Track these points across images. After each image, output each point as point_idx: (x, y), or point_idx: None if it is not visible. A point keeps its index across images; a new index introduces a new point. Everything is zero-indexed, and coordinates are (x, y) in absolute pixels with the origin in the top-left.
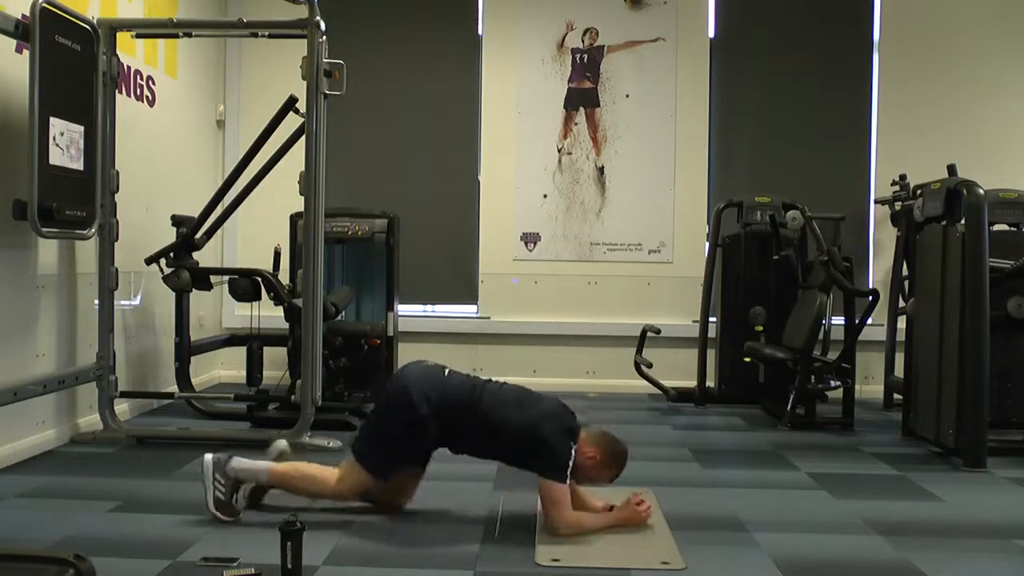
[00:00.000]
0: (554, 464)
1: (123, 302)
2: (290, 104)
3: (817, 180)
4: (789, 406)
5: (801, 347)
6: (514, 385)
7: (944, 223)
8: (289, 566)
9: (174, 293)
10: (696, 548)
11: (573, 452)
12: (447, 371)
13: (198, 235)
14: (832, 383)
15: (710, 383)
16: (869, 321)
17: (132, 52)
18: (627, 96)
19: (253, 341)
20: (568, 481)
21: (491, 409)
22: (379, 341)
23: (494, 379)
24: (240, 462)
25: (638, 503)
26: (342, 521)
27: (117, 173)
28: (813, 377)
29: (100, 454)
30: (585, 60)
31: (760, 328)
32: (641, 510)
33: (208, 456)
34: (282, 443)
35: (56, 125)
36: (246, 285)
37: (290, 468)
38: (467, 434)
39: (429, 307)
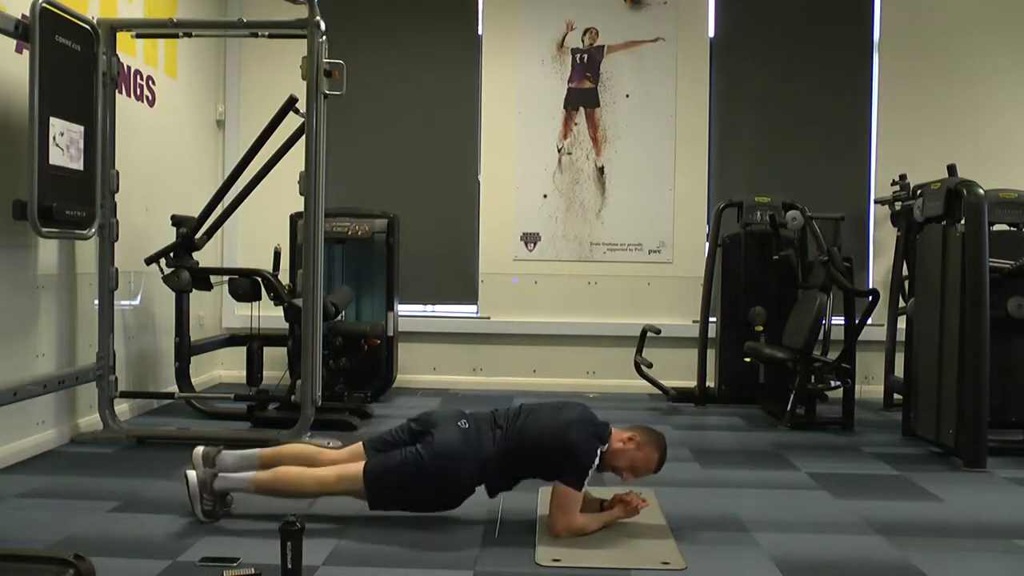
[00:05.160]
0: (576, 469)
1: (123, 302)
2: (290, 104)
3: (817, 180)
4: (789, 406)
5: (801, 347)
6: (537, 403)
7: (944, 223)
8: (289, 566)
9: (174, 293)
10: (696, 548)
11: (598, 457)
12: (470, 423)
13: (198, 235)
14: (832, 383)
15: (710, 383)
16: (869, 321)
17: (132, 52)
18: (627, 96)
19: (253, 341)
20: (585, 487)
21: (520, 436)
22: (379, 341)
23: (517, 406)
24: (224, 480)
25: (629, 500)
26: (342, 521)
27: (117, 173)
28: (813, 377)
29: (100, 454)
30: (585, 60)
31: (760, 328)
32: (634, 503)
33: (192, 474)
34: (199, 450)
35: (56, 125)
36: (246, 285)
37: (272, 476)
38: (503, 474)
39: (429, 307)
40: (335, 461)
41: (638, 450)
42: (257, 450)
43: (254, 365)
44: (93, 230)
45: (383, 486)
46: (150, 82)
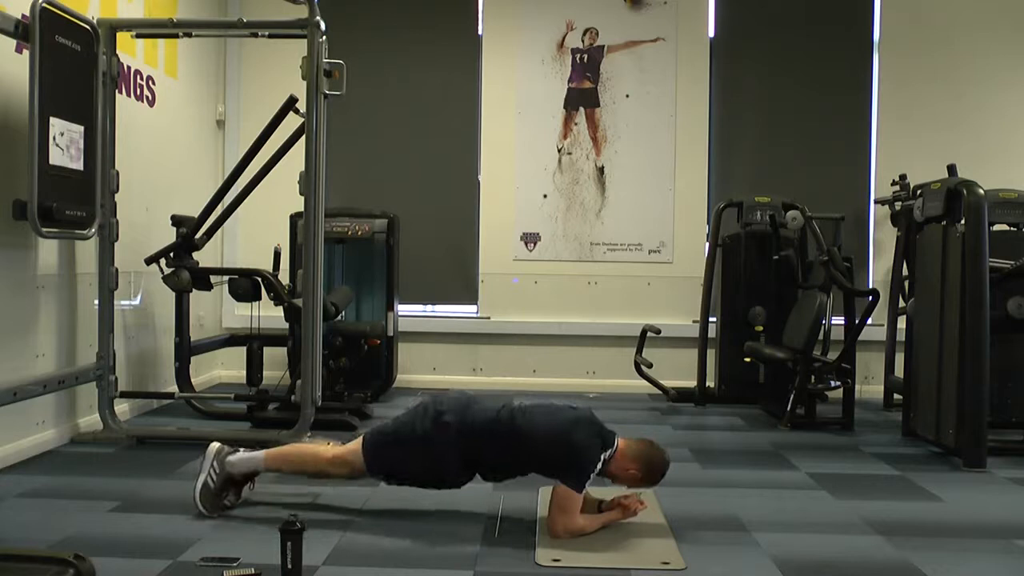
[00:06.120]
0: (578, 472)
1: (123, 302)
2: (290, 104)
3: (817, 180)
4: (789, 406)
5: (801, 347)
6: (542, 402)
7: (944, 223)
8: (289, 566)
9: (174, 293)
10: (696, 548)
11: (600, 462)
12: (476, 395)
13: (198, 235)
14: (832, 383)
15: (710, 383)
16: (869, 321)
17: (132, 52)
18: (627, 96)
19: (253, 341)
20: (585, 489)
21: (521, 423)
22: (379, 341)
23: (519, 402)
24: (238, 456)
25: (629, 503)
26: (342, 521)
27: (117, 173)
28: (813, 377)
29: (100, 454)
30: (585, 60)
31: (760, 328)
32: (633, 505)
33: (215, 443)
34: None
35: (56, 125)
36: (246, 285)
37: (283, 450)
38: (496, 454)
39: (429, 307)
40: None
41: (634, 478)
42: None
43: (254, 365)
44: (93, 230)
45: (381, 447)
46: (150, 82)
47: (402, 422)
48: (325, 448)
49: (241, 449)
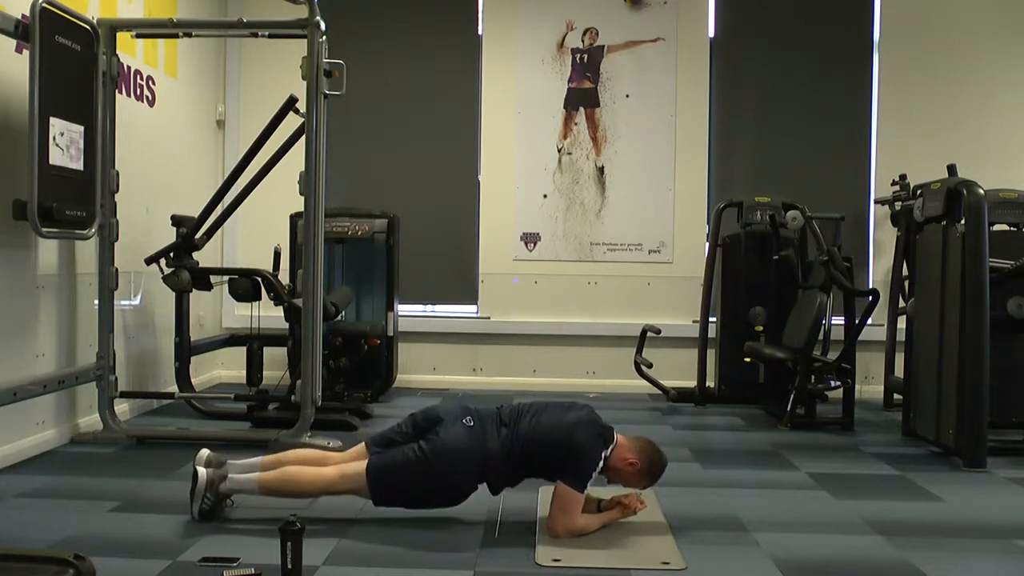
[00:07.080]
0: (580, 473)
1: (123, 302)
2: (290, 104)
3: (817, 180)
4: (789, 406)
5: (801, 347)
6: (543, 402)
7: (944, 223)
8: (289, 566)
9: (174, 293)
10: (696, 548)
11: (602, 460)
12: (475, 421)
13: (198, 235)
14: (832, 383)
15: (710, 383)
16: (869, 321)
17: (132, 52)
18: (627, 96)
19: (253, 341)
20: (587, 489)
21: (525, 431)
22: (379, 341)
23: (519, 402)
24: (232, 481)
25: (628, 502)
26: (342, 521)
27: (117, 173)
28: (813, 377)
29: (100, 454)
30: (585, 60)
31: (760, 328)
32: (632, 505)
33: (203, 471)
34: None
35: (56, 125)
36: (246, 285)
37: (277, 476)
38: (508, 477)
39: (429, 307)
40: (338, 463)
41: (631, 476)
42: (259, 458)
43: (254, 365)
44: (93, 230)
45: (386, 483)
46: (150, 82)
47: (410, 460)
48: (322, 472)
49: (230, 464)
